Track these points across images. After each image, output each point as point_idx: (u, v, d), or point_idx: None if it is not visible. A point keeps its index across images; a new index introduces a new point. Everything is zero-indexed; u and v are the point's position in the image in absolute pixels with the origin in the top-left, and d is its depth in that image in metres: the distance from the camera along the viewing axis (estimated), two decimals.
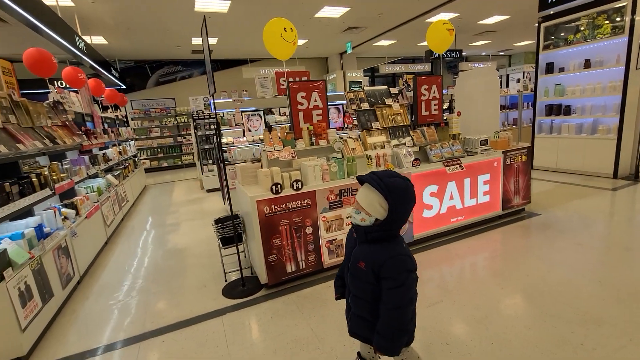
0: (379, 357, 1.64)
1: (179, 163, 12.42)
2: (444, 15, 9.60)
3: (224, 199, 5.54)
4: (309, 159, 3.07)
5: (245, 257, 3.60)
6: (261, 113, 5.29)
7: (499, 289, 2.60)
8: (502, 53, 18.50)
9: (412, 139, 3.56)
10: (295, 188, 2.77)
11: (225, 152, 5.36)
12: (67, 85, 5.19)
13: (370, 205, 1.28)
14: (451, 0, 8.09)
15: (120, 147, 6.93)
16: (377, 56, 15.32)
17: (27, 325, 2.23)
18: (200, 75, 13.13)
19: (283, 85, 5.72)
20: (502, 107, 8.78)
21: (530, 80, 9.59)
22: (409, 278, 1.27)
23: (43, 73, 3.86)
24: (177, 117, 12.27)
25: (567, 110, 6.00)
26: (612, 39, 5.15)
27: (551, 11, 5.86)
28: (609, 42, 5.22)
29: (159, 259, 3.80)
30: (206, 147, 7.32)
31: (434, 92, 3.74)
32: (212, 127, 7.28)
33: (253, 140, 5.01)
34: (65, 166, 3.69)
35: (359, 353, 1.66)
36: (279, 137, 3.01)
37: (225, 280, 3.10)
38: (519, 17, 10.52)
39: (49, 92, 4.06)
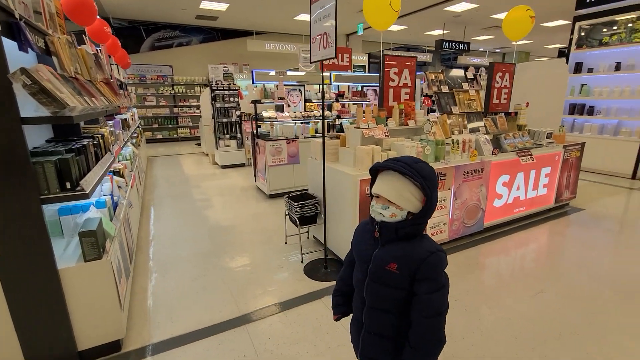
0: None
1: (175, 136, 11.75)
2: (465, 5, 9.54)
3: (255, 177, 5.28)
4: (397, 139, 2.93)
5: (307, 238, 3.46)
6: (301, 88, 5.01)
7: (591, 281, 2.65)
8: (498, 50, 18.86)
9: (485, 126, 3.50)
10: None
11: (260, 127, 5.06)
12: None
13: (401, 197, 1.09)
14: None
15: (131, 113, 6.37)
16: (383, 41, 15.08)
17: (122, 303, 1.99)
18: (200, 43, 12.31)
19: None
20: None
21: None
22: (447, 278, 1.13)
23: (83, 20, 3.37)
24: (175, 87, 11.52)
25: (591, 111, 6.21)
26: None
27: (585, 11, 5.95)
28: None
29: (211, 235, 3.55)
30: (224, 120, 6.92)
31: (506, 81, 3.69)
32: (232, 99, 6.88)
33: (295, 117, 4.74)
34: (110, 129, 3.30)
35: None
36: (372, 115, 2.84)
37: (302, 262, 2.95)
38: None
39: (83, 46, 3.57)
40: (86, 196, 1.65)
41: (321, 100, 2.58)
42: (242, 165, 7.04)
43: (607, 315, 2.21)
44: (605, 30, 5.88)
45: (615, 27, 5.73)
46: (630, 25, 5.51)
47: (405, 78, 3.02)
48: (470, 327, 2.10)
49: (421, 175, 1.06)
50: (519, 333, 2.04)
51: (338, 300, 1.37)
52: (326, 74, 7.39)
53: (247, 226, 3.81)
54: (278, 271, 2.82)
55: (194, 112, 11.66)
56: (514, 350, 1.91)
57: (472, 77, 3.61)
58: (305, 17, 10.51)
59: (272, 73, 6.03)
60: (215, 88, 6.80)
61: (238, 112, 6.92)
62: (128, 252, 2.55)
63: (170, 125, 11.61)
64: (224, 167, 6.96)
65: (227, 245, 3.32)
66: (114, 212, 2.38)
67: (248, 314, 2.25)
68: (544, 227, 3.74)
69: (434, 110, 3.41)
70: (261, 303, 2.36)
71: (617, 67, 5.77)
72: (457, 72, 3.55)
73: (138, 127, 7.01)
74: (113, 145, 3.03)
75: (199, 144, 10.05)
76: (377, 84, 7.63)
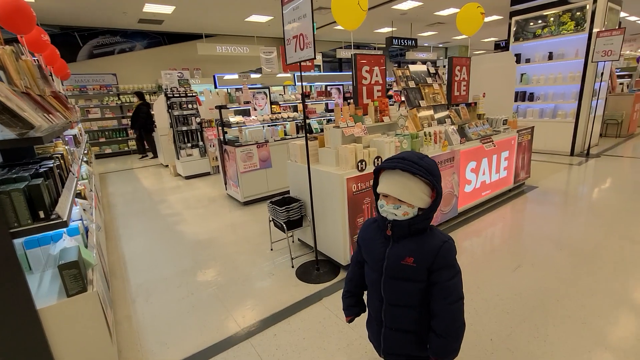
0: None
1: (125, 149, 10.94)
2: (410, 4, 9.99)
3: (226, 185, 5.09)
4: (374, 135, 2.99)
5: (292, 242, 3.42)
6: (266, 91, 4.91)
7: (557, 250, 2.92)
8: (440, 45, 20.03)
9: (450, 117, 3.70)
10: (376, 165, 2.69)
11: (227, 132, 4.89)
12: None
13: (413, 195, 1.10)
14: None
15: (78, 128, 5.82)
16: (334, 40, 15.32)
17: (112, 335, 1.82)
18: (145, 48, 11.58)
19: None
20: None
21: None
22: (458, 264, 1.18)
23: (20, 28, 3.01)
24: (121, 96, 10.73)
25: (531, 97, 6.84)
26: (574, 34, 5.98)
27: (519, 6, 6.53)
28: (571, 37, 6.05)
29: (190, 252, 3.37)
30: (184, 128, 6.59)
31: (464, 74, 3.93)
32: (190, 106, 6.57)
33: (263, 120, 4.64)
34: (66, 147, 2.98)
35: None
36: (349, 113, 2.87)
37: (292, 267, 2.91)
38: None
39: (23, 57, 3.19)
40: (64, 224, 1.48)
41: (289, 102, 2.54)
42: (207, 174, 6.76)
43: (576, 279, 2.46)
44: (532, 24, 6.50)
45: (540, 21, 6.36)
46: (552, 19, 6.16)
47: (377, 76, 3.09)
48: (465, 308, 2.21)
49: (430, 173, 1.09)
50: (510, 307, 2.20)
51: (350, 302, 1.38)
52: (288, 75, 7.34)
53: (227, 237, 3.68)
54: (270, 279, 2.75)
55: None
56: (508, 324, 2.05)
57: (435, 71, 3.80)
58: (256, 18, 10.32)
59: (228, 77, 5.83)
60: (171, 95, 6.44)
61: (198, 119, 6.63)
62: (106, 280, 2.34)
63: (119, 138, 10.80)
64: (188, 177, 6.63)
65: (209, 260, 3.17)
66: (87, 238, 2.17)
67: (249, 327, 2.17)
68: (508, 206, 4.05)
69: (392, 105, 3.54)
70: (260, 314, 2.29)
71: (550, 57, 6.41)
72: (419, 67, 3.71)
73: (87, 142, 6.44)
74: (72, 165, 2.75)
75: (152, 157, 9.52)
76: (337, 83, 7.75)
